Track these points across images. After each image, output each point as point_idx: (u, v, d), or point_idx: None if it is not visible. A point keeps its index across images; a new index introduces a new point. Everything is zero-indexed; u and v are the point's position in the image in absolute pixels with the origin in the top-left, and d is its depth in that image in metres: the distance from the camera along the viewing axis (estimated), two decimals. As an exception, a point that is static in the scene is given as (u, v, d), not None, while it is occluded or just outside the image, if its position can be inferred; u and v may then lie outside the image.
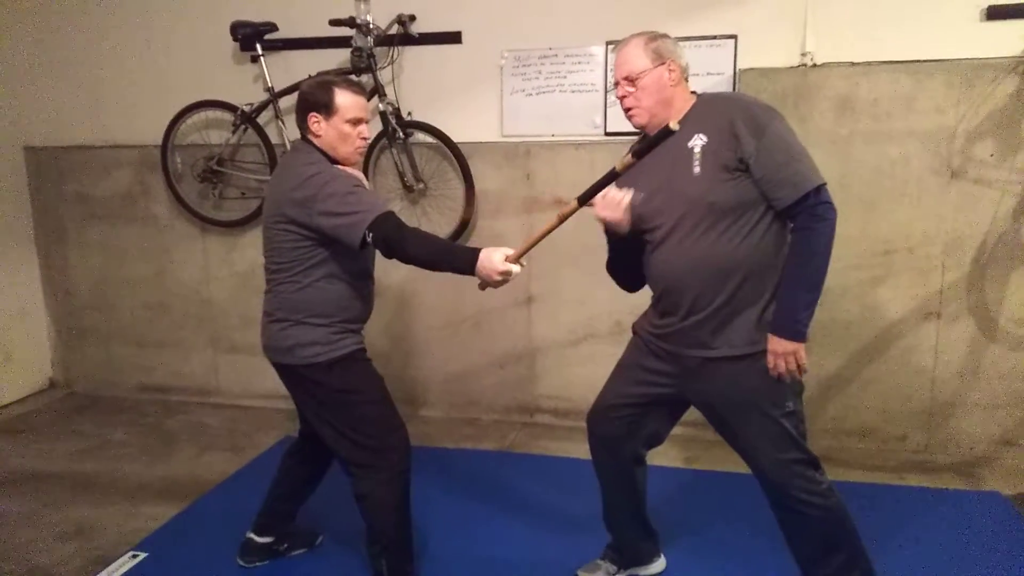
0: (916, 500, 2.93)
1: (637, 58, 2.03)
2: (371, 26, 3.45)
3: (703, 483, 3.11)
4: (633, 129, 3.53)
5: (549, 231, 2.03)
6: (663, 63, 2.02)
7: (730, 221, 1.95)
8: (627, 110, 2.11)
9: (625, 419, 2.24)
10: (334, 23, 3.43)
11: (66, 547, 2.76)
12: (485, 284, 2.09)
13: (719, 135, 1.95)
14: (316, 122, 2.20)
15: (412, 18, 3.55)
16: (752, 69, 3.27)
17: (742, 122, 1.92)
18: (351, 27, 3.43)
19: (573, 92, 3.53)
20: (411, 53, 3.63)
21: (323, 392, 2.26)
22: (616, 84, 2.11)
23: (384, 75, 3.56)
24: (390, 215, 2.09)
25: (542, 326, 3.72)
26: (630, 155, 1.81)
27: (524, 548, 2.69)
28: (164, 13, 3.89)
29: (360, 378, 2.29)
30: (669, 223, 2.03)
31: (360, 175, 2.31)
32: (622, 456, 2.29)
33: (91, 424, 3.94)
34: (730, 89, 3.34)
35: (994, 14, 3.08)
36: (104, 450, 3.61)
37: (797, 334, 1.93)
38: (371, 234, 2.05)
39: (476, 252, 2.05)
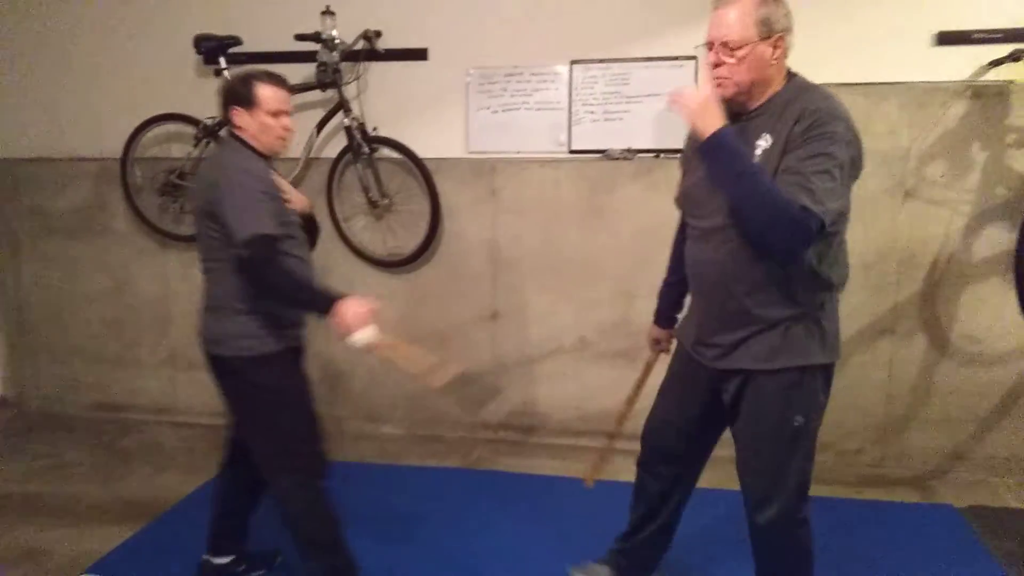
0: (872, 513, 2.99)
1: (741, 25, 1.77)
2: (337, 41, 3.45)
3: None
4: (596, 147, 3.61)
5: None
6: (770, 38, 1.77)
7: None
8: (715, 78, 1.85)
9: (680, 432, 2.17)
10: (299, 38, 3.42)
11: (14, 572, 2.67)
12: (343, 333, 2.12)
13: (780, 137, 1.77)
14: (239, 115, 2.23)
15: (378, 34, 3.55)
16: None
17: (807, 121, 1.74)
18: (316, 42, 3.43)
19: (538, 110, 3.56)
20: (377, 69, 3.63)
21: (246, 386, 2.26)
22: (709, 45, 1.85)
23: (350, 90, 3.55)
24: (269, 239, 2.10)
25: (507, 342, 3.73)
26: None
27: (489, 566, 2.67)
28: (126, 25, 3.84)
29: (286, 379, 2.29)
30: (706, 223, 1.94)
31: (283, 183, 2.33)
32: (672, 472, 2.23)
33: (43, 443, 3.83)
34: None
35: (944, 40, 3.19)
36: (56, 470, 3.51)
37: (710, 133, 1.75)
38: (246, 247, 2.07)
39: (337, 296, 2.11)
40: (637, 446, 2.35)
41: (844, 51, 3.23)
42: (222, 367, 2.29)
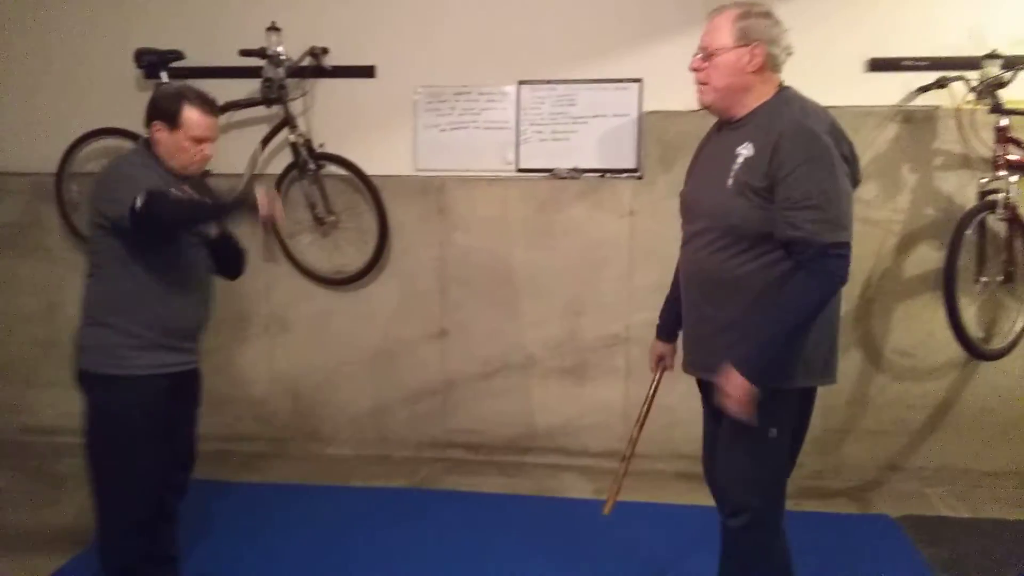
0: (811, 524, 3.03)
1: (721, 32, 1.88)
2: (282, 57, 3.43)
3: (612, 513, 3.14)
4: (543, 166, 3.65)
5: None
6: (747, 45, 1.85)
7: (747, 244, 1.86)
8: (697, 83, 1.95)
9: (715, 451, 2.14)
10: (244, 53, 3.39)
11: (-64, 604, 2.55)
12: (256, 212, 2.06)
13: (763, 150, 1.82)
14: (159, 130, 2.17)
15: (325, 51, 3.54)
16: (656, 112, 3.41)
17: (787, 144, 1.78)
18: (262, 58, 3.40)
19: (486, 129, 3.59)
20: (324, 85, 3.61)
21: (88, 405, 2.20)
22: (697, 51, 1.95)
23: (296, 106, 3.53)
24: (159, 192, 2.06)
25: (456, 359, 3.71)
26: None
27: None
28: (64, 36, 3.75)
29: (133, 411, 2.17)
30: (693, 227, 1.99)
31: (189, 197, 2.24)
32: None
33: (-31, 469, 3.66)
34: (635, 129, 3.47)
35: (876, 66, 3.34)
36: (-17, 497, 3.36)
37: (744, 368, 1.82)
38: (141, 200, 1.99)
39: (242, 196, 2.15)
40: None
41: (781, 76, 3.33)
42: (79, 380, 2.22)
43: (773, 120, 1.85)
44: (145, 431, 2.19)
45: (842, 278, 1.82)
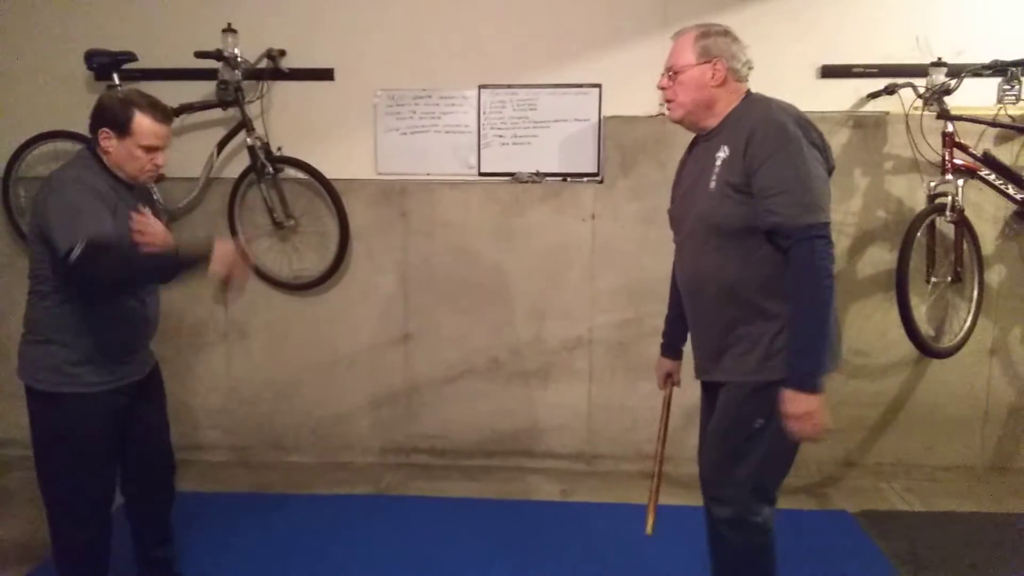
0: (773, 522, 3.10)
1: (683, 52, 2.00)
2: (239, 59, 3.38)
3: (579, 515, 3.16)
4: (505, 170, 3.67)
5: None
6: (708, 61, 1.97)
7: (736, 242, 1.92)
8: (666, 101, 2.08)
9: None
10: (200, 55, 3.32)
11: None
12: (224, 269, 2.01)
13: (736, 147, 1.91)
14: (107, 138, 2.10)
15: (282, 53, 3.50)
16: (615, 117, 3.45)
17: (757, 138, 1.87)
18: (218, 60, 3.34)
19: (448, 133, 3.59)
20: (282, 88, 3.57)
21: (34, 422, 2.16)
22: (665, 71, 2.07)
23: (252, 109, 3.48)
24: (94, 245, 1.95)
25: (419, 364, 3.69)
26: None
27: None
28: (11, 36, 3.63)
29: (74, 430, 2.13)
30: (684, 232, 2.07)
31: (145, 219, 2.16)
32: None
33: (-89, 485, 3.52)
34: (595, 133, 3.50)
35: (828, 73, 3.42)
36: (-73, 514, 3.23)
37: (798, 383, 1.84)
38: (79, 250, 1.91)
39: (203, 248, 2.03)
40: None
41: (738, 81, 3.41)
42: (27, 395, 2.17)
43: (743, 120, 1.94)
44: (92, 448, 2.15)
45: (830, 256, 1.88)
